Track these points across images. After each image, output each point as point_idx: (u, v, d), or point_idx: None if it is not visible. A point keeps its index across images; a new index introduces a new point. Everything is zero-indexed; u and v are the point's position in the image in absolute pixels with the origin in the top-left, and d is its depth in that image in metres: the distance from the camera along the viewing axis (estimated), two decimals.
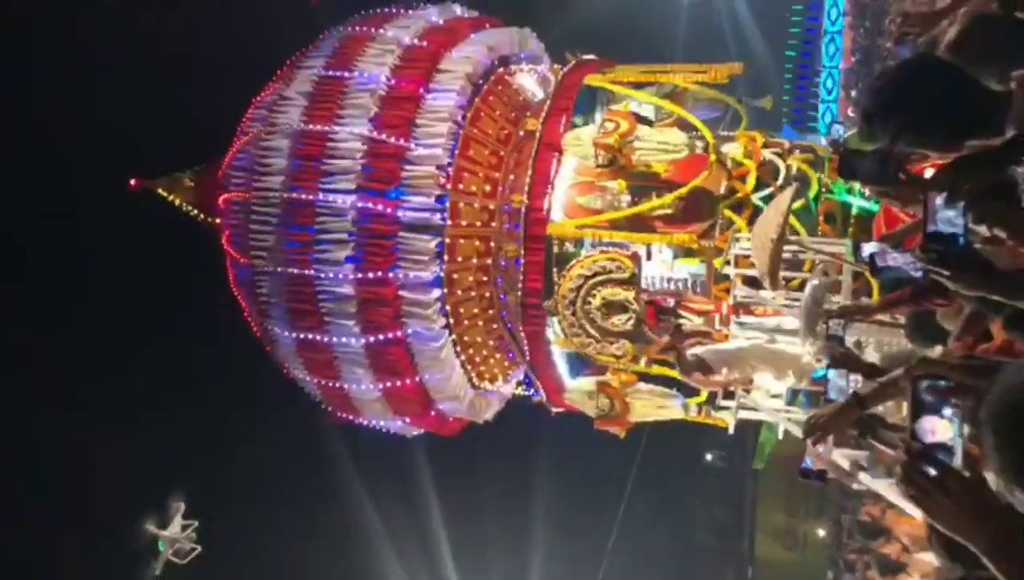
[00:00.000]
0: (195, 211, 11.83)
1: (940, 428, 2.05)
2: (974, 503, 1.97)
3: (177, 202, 11.97)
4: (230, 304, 11.28)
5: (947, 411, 2.07)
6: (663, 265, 10.20)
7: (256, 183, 10.38)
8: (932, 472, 2.02)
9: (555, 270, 10.06)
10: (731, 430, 9.30)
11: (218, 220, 11.14)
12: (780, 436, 9.58)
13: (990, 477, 1.98)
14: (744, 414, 9.20)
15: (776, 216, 7.50)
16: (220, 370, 19.54)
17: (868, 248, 5.00)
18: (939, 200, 2.68)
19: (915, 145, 2.75)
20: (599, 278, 9.48)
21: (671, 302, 9.80)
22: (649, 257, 9.98)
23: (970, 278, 2.70)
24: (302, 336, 10.39)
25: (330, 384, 10.76)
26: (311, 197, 9.95)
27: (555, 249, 10.09)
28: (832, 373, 4.51)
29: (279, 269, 10.21)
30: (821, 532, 25.23)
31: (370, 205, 9.81)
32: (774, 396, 9.26)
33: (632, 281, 9.41)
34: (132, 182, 12.15)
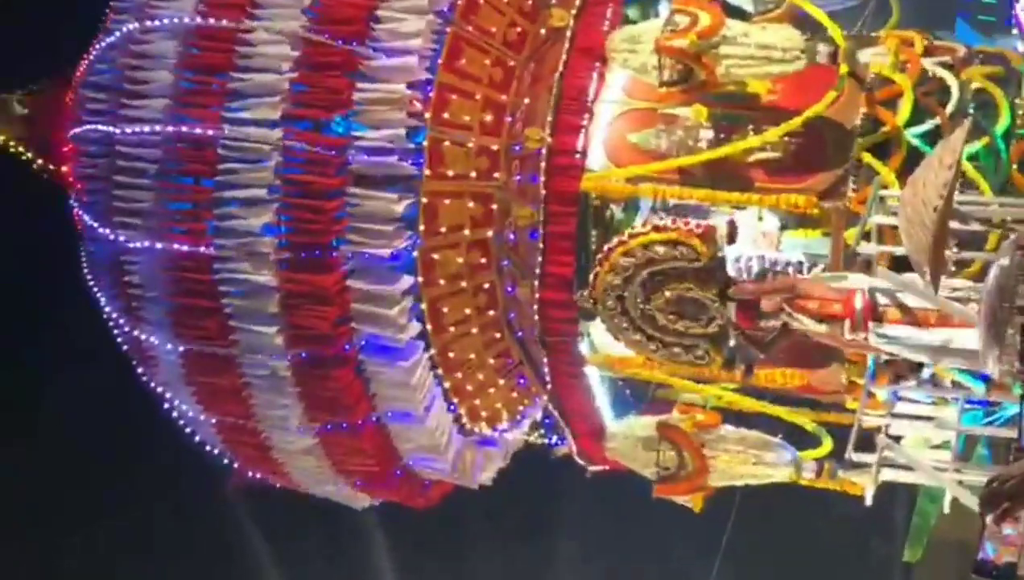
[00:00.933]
0: (29, 154, 11.90)
1: None
2: None
3: (3, 139, 12.03)
4: (82, 299, 11.35)
5: None
6: (764, 240, 10.17)
7: (125, 110, 10.43)
8: None
9: (594, 247, 10.01)
10: (869, 499, 9.27)
11: (64, 168, 11.22)
12: (946, 509, 9.53)
13: None
14: (890, 474, 9.18)
15: (942, 169, 7.46)
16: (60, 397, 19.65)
17: None
18: None
19: None
20: (657, 268, 9.51)
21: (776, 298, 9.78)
22: (732, 239, 9.94)
23: None
24: (194, 349, 10.46)
25: (237, 425, 10.84)
26: (211, 132, 10.00)
27: (593, 214, 10.06)
28: None
29: (159, 243, 10.26)
30: None
31: (304, 145, 9.84)
32: (936, 447, 9.24)
33: (709, 274, 9.40)
34: None
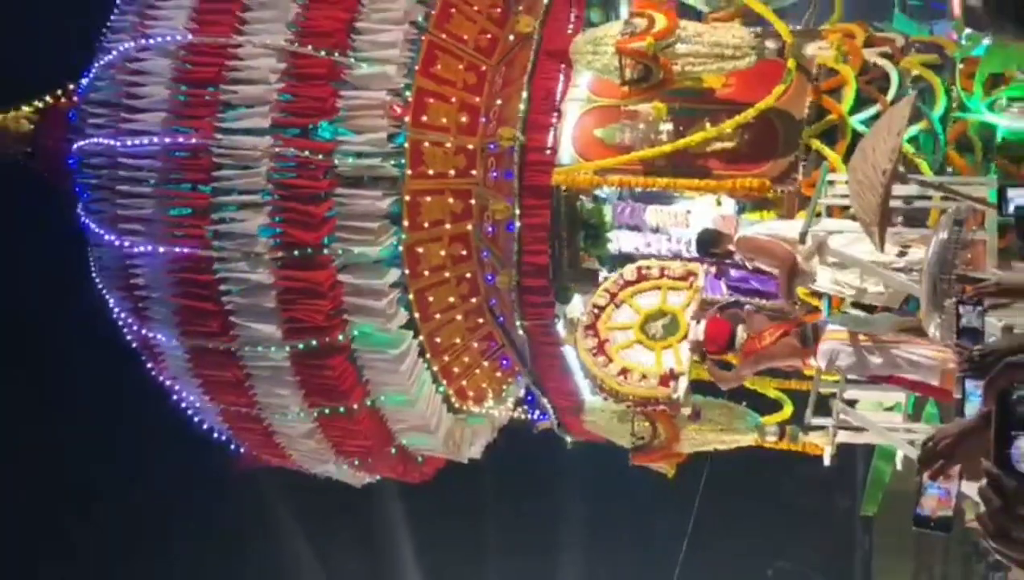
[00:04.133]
0: (36, 165, 11.85)
1: None
2: None
3: (10, 153, 11.99)
4: (91, 299, 11.36)
5: None
6: (723, 223, 10.22)
7: (125, 123, 10.43)
8: None
9: (566, 235, 10.12)
10: (828, 460, 9.37)
11: (71, 178, 11.16)
12: (899, 466, 9.64)
13: None
14: (846, 436, 9.28)
15: (890, 136, 7.54)
16: (77, 393, 19.63)
17: (1015, 200, 5.02)
18: None
19: None
20: None
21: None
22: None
23: None
24: (198, 344, 10.48)
25: (241, 413, 10.88)
26: (206, 141, 10.03)
27: (563, 205, 10.10)
28: (970, 384, 4.53)
29: (162, 247, 10.28)
30: None
31: (292, 150, 9.87)
32: (888, 409, 9.34)
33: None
34: None
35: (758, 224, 9.29)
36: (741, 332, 9.18)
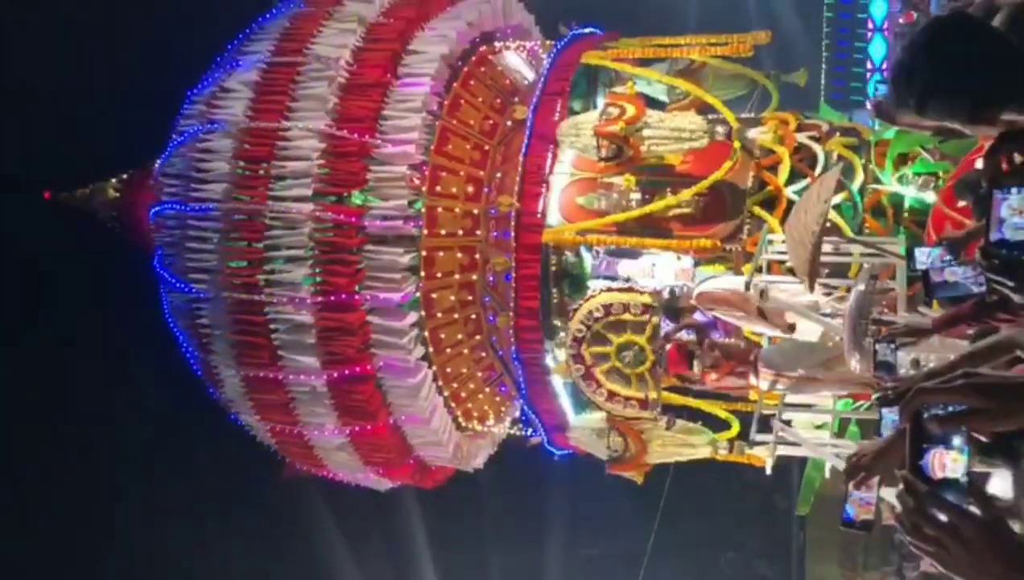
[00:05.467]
0: (122, 227, 11.87)
1: (948, 461, 2.09)
2: (996, 552, 1.99)
3: (100, 216, 12.00)
4: (165, 336, 11.31)
5: (956, 441, 2.10)
6: (683, 274, 10.24)
7: (194, 192, 10.46)
8: (943, 518, 2.05)
9: (554, 285, 10.14)
10: (769, 470, 9.30)
11: (149, 236, 11.18)
12: (827, 475, 9.57)
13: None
14: (784, 450, 9.24)
15: (819, 203, 7.54)
16: (151, 415, 19.58)
17: (920, 258, 5.00)
18: (1005, 202, 2.72)
19: (942, 114, 2.78)
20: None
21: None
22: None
23: None
24: (251, 373, 10.43)
25: (286, 430, 10.82)
26: (259, 206, 10.05)
27: (552, 260, 10.13)
28: (885, 410, 4.52)
29: (223, 293, 10.27)
30: None
31: (330, 214, 9.89)
32: (818, 427, 9.30)
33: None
34: (45, 195, 12.20)
35: (712, 278, 9.28)
36: (697, 364, 9.18)
